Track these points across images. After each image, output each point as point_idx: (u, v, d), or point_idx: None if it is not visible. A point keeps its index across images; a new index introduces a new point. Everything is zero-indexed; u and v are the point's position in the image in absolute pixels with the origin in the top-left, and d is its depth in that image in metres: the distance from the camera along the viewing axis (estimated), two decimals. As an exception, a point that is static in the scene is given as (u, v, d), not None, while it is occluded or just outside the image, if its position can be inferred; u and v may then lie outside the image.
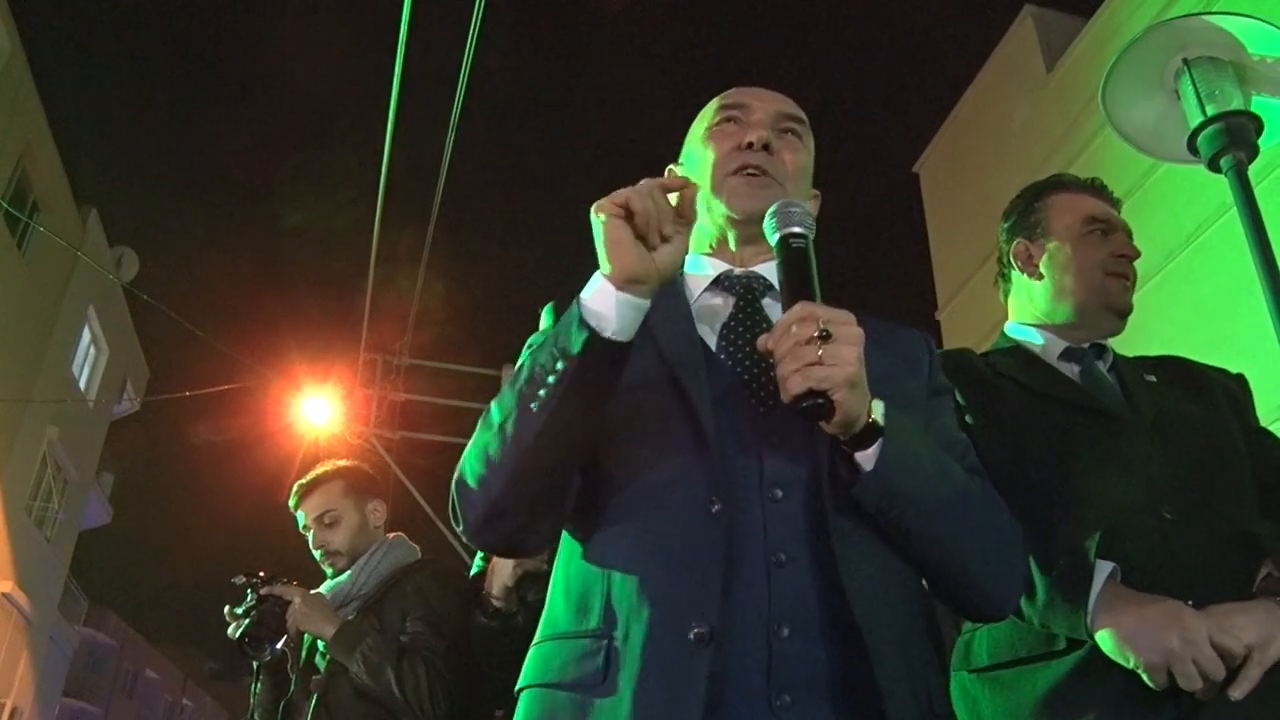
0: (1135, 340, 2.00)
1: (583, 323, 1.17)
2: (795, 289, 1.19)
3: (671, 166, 1.62)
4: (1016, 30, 13.98)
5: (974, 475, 1.37)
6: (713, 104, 1.57)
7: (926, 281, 15.72)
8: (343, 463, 3.13)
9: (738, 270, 1.46)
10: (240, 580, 2.78)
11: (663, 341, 1.34)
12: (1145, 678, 1.52)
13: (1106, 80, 2.01)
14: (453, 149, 8.98)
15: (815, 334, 1.12)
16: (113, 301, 22.34)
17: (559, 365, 1.18)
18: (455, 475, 1.30)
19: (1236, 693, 1.48)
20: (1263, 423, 1.92)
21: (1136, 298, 1.98)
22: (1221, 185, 1.88)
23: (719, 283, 1.46)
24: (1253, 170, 1.87)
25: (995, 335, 2.08)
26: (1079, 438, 1.78)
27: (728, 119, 1.52)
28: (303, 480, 3.03)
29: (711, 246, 1.52)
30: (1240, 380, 1.96)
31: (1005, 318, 2.09)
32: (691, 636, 1.14)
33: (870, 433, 1.19)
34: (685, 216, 1.22)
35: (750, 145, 1.46)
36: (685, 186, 1.23)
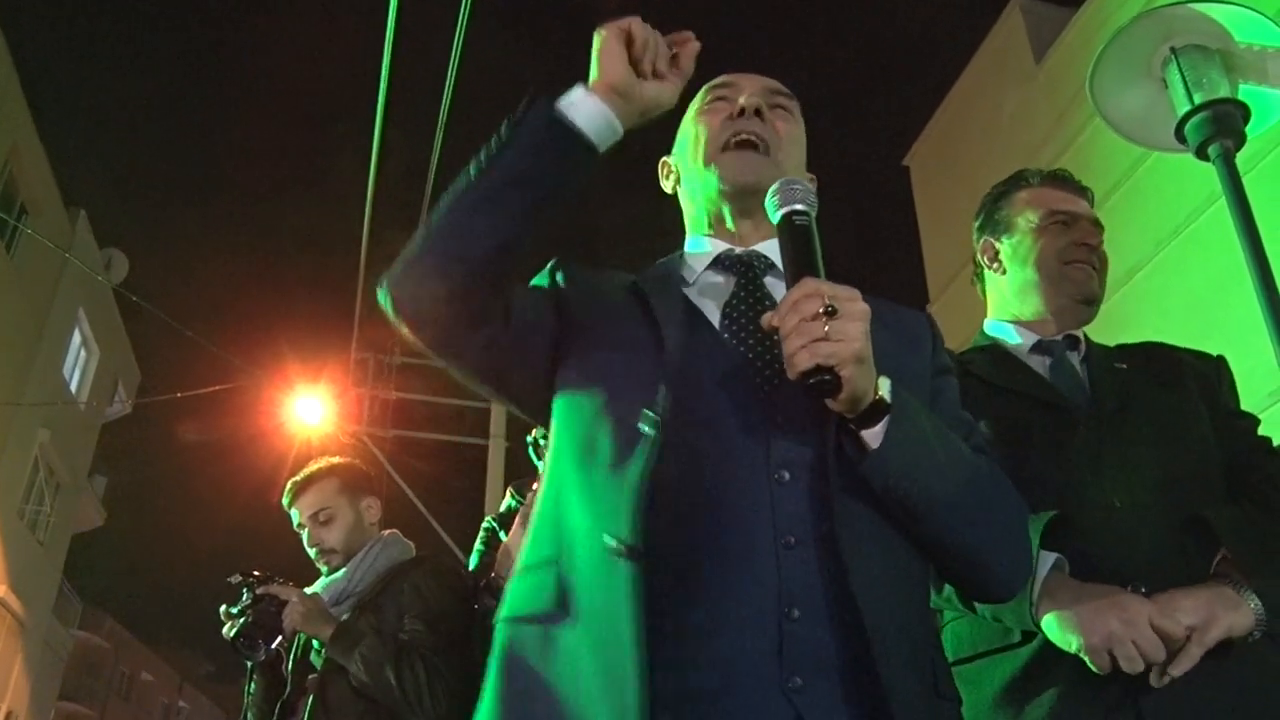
0: (1126, 330, 2.01)
1: (549, 102, 1.24)
2: (799, 266, 1.19)
3: (665, 159, 1.62)
4: (1005, 22, 13.99)
5: (980, 454, 1.36)
6: (701, 91, 1.57)
7: (918, 274, 15.76)
8: (336, 460, 3.11)
9: (738, 249, 1.46)
10: (236, 579, 2.77)
11: (654, 305, 1.34)
12: (1088, 661, 1.53)
13: (1094, 69, 2.02)
14: (442, 148, 8.97)
15: (821, 310, 1.11)
16: (103, 303, 22.26)
17: (506, 132, 1.25)
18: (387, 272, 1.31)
19: (1175, 670, 1.50)
20: (1255, 410, 1.92)
21: (1127, 288, 2.00)
22: (1211, 174, 1.88)
23: (719, 261, 1.45)
24: (1241, 158, 1.88)
25: (986, 326, 2.08)
26: (1032, 432, 1.78)
27: (717, 98, 1.53)
28: (296, 478, 3.01)
29: (710, 226, 1.51)
30: (1217, 363, 1.95)
31: (997, 309, 2.10)
32: (610, 546, 1.14)
33: (877, 410, 1.18)
34: (681, 67, 1.30)
35: (742, 112, 1.48)
36: (688, 41, 1.30)
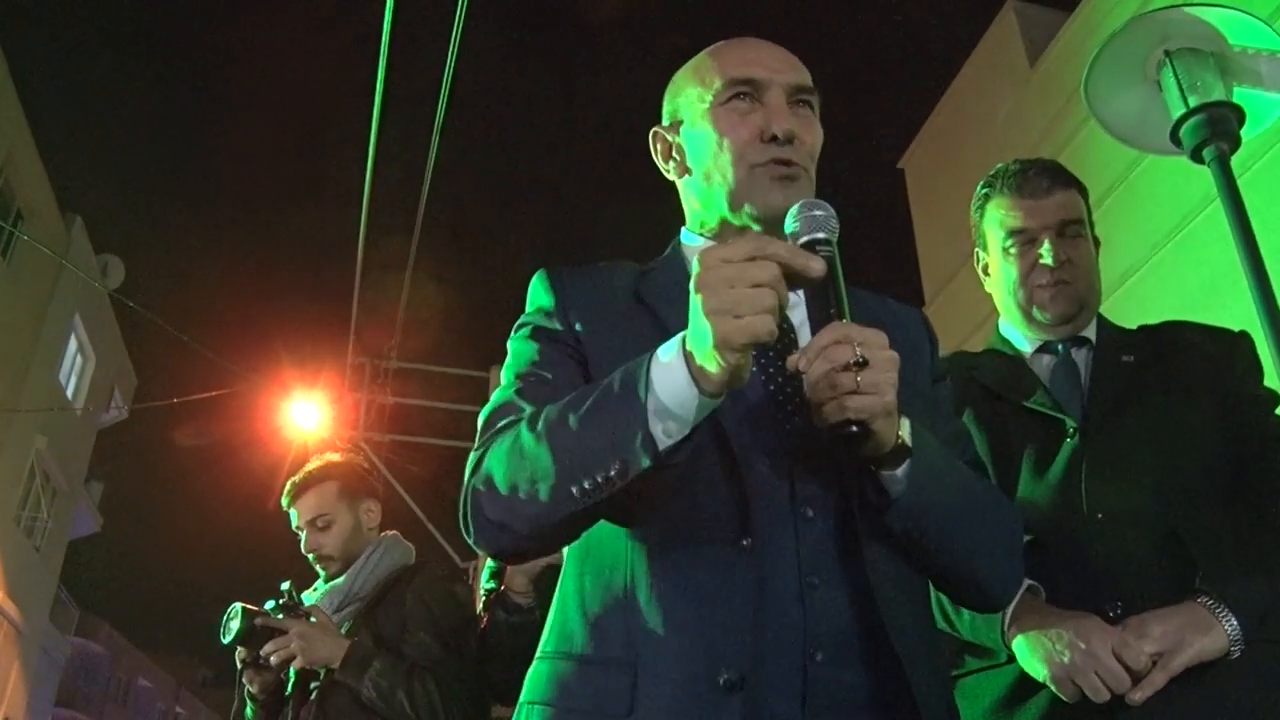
0: (1122, 332, 1.99)
1: (648, 439, 1.07)
2: (824, 305, 1.12)
3: (658, 131, 1.50)
4: (999, 25, 14.00)
5: (980, 470, 1.36)
6: (713, 69, 1.42)
7: (913, 277, 15.78)
8: (336, 459, 3.06)
9: None
10: (233, 629, 2.63)
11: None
12: (1055, 690, 1.53)
13: (1089, 72, 2.02)
14: (438, 154, 8.96)
15: (852, 360, 1.06)
16: (99, 309, 22.22)
17: (613, 473, 1.09)
18: (471, 487, 1.23)
19: (1136, 696, 1.49)
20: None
21: (1121, 292, 1.99)
22: (1206, 177, 1.88)
23: None
24: (1236, 161, 1.88)
25: (982, 329, 2.09)
26: (1019, 443, 1.77)
27: (739, 94, 1.38)
28: (295, 477, 2.97)
29: (718, 233, 1.42)
30: (1233, 342, 1.87)
31: (991, 311, 2.10)
32: (721, 682, 1.11)
33: (898, 452, 1.15)
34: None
35: (775, 139, 1.34)
36: (809, 268, 1.08)
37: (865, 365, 1.06)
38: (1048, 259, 1.87)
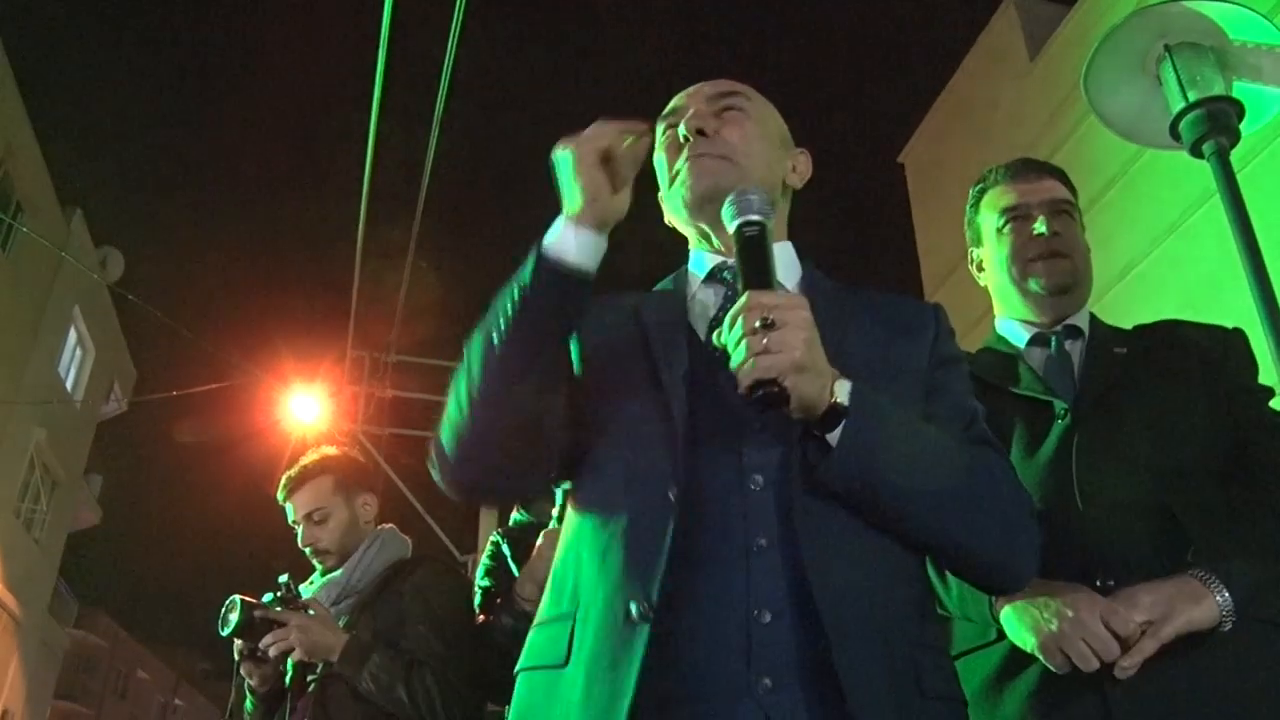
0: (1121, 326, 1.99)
1: (540, 257, 1.24)
2: (748, 279, 1.20)
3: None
4: (1000, 19, 13.99)
5: (980, 445, 1.36)
6: (659, 122, 1.58)
7: (913, 271, 15.77)
8: (332, 452, 3.05)
9: (730, 260, 1.44)
10: (232, 623, 2.63)
11: (652, 337, 1.36)
12: (1043, 660, 1.53)
13: (1089, 67, 2.02)
14: (438, 145, 8.94)
15: (758, 324, 1.13)
16: (98, 302, 22.21)
17: (516, 295, 1.24)
18: (436, 435, 1.34)
19: (1127, 664, 1.49)
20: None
21: (1121, 286, 1.99)
22: (1205, 171, 1.88)
23: (713, 275, 1.47)
24: (1235, 155, 1.88)
25: (981, 323, 2.09)
26: (1009, 427, 1.78)
27: (670, 126, 1.54)
28: (291, 471, 2.95)
29: (700, 242, 1.53)
30: (1227, 336, 1.88)
31: (991, 306, 2.10)
32: (633, 613, 1.16)
33: (835, 414, 1.19)
34: (638, 159, 1.28)
35: (686, 140, 1.47)
36: (645, 132, 1.27)
37: (773, 326, 1.12)
38: (1041, 228, 1.90)
